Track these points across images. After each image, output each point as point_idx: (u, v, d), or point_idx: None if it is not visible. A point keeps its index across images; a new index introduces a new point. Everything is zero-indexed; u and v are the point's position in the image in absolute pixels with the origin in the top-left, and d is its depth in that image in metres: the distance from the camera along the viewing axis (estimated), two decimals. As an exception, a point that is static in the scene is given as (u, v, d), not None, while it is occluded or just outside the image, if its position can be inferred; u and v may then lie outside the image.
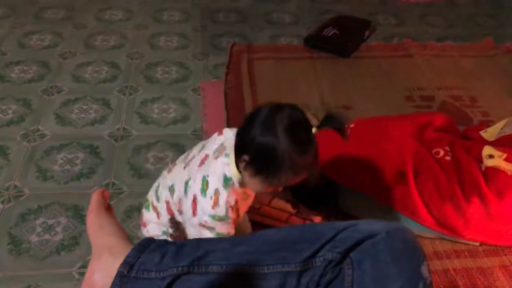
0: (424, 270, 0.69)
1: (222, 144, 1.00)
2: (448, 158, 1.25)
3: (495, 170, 1.23)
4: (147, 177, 1.48)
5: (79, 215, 1.33)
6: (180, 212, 1.05)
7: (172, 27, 2.40)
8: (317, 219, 1.25)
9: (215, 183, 0.95)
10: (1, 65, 2.01)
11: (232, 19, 2.53)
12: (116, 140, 1.63)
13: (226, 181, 0.95)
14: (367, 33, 2.32)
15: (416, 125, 1.34)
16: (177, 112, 1.79)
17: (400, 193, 1.21)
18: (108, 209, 0.97)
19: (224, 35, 2.33)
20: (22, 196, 1.39)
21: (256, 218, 1.31)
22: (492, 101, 1.90)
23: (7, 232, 1.27)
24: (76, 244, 1.25)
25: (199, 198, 0.97)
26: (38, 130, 1.65)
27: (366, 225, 0.72)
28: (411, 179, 1.20)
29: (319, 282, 0.70)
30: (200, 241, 0.85)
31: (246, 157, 0.90)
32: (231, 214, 0.96)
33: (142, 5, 2.60)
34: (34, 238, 1.27)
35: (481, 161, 1.26)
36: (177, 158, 1.58)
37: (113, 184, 1.45)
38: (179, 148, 1.62)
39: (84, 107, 1.78)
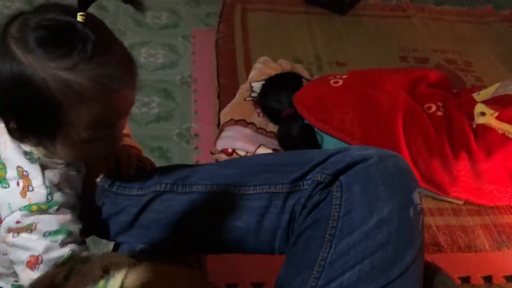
0: (415, 196, 0.67)
1: None
2: (439, 113, 1.23)
3: (485, 128, 1.21)
4: (133, 121, 1.44)
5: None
6: None
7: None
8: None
9: (14, 161, 0.63)
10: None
11: (228, -31, 2.44)
12: (101, 82, 1.58)
13: (29, 154, 0.64)
14: (365, -9, 2.25)
15: (410, 79, 1.31)
16: (165, 58, 1.73)
17: (388, 146, 1.18)
18: None
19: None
20: None
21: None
22: (486, 66, 1.87)
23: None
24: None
25: None
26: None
27: (358, 150, 0.69)
28: (400, 132, 1.18)
29: (306, 204, 0.67)
30: (185, 164, 0.80)
31: (13, 124, 0.60)
32: (60, 198, 0.64)
33: None
34: None
35: (472, 119, 1.24)
36: (163, 104, 1.55)
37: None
38: (166, 94, 1.58)
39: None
